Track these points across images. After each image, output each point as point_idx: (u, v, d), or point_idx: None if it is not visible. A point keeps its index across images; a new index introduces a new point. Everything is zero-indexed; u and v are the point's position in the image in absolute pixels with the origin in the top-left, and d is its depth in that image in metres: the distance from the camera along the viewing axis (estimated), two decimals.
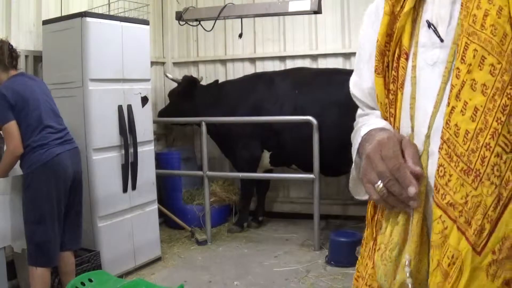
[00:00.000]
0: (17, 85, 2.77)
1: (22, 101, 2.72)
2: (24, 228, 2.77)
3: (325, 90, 4.31)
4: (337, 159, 4.25)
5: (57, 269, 2.94)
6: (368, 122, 0.96)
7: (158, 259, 3.94)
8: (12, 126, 2.70)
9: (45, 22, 3.53)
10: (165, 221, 4.82)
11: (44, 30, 3.52)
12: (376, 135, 0.87)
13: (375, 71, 0.93)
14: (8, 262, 2.93)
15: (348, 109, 4.04)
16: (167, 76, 5.05)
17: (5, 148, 2.78)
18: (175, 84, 5.04)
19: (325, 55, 4.92)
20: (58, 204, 2.79)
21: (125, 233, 3.61)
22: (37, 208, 2.73)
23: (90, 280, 2.58)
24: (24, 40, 3.62)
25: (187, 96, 4.82)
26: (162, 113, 5.06)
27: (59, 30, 3.42)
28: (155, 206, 3.94)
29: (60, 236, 2.84)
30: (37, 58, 3.66)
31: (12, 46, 2.88)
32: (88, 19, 3.31)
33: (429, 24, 0.84)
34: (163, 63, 5.47)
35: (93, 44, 3.33)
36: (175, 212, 4.68)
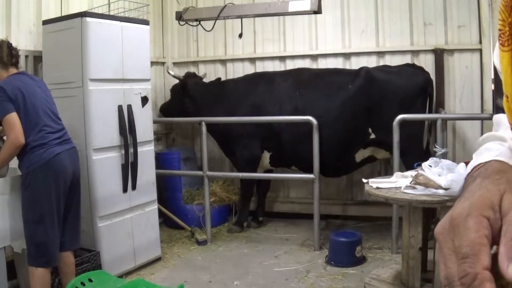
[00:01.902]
0: (17, 82, 2.77)
1: (21, 98, 2.72)
2: (24, 228, 2.76)
3: (325, 91, 4.30)
4: (337, 160, 4.25)
5: (57, 269, 2.94)
6: (488, 145, 0.63)
7: (158, 259, 3.94)
8: (13, 116, 2.68)
9: (45, 22, 3.53)
10: (165, 221, 4.82)
11: (44, 30, 3.52)
12: (467, 189, 0.52)
13: (498, 39, 0.57)
14: (8, 262, 2.92)
15: (348, 110, 4.03)
16: (169, 73, 5.05)
17: (5, 138, 2.75)
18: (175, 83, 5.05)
19: (325, 55, 4.92)
20: (58, 204, 2.79)
21: (125, 233, 3.60)
22: (37, 208, 2.73)
23: (90, 280, 2.58)
24: (24, 40, 3.62)
25: (189, 93, 4.82)
26: (163, 108, 5.08)
27: (59, 30, 3.42)
28: (155, 206, 3.94)
29: (60, 236, 2.84)
30: (37, 58, 3.66)
31: (11, 44, 2.88)
32: (88, 19, 3.31)
33: None
34: (163, 63, 5.47)
35: (93, 44, 3.33)
36: (175, 212, 4.68)
